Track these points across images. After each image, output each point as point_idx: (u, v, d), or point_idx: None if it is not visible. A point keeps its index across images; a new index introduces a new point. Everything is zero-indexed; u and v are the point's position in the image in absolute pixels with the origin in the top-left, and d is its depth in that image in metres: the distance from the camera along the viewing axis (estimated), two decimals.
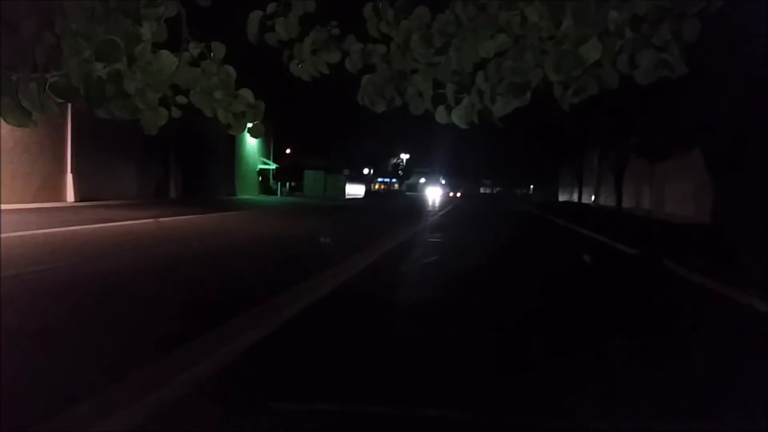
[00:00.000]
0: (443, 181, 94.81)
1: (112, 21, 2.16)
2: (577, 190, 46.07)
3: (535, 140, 37.22)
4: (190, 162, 35.54)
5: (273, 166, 51.27)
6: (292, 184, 57.11)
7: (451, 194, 76.66)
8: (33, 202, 22.39)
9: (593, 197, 40.98)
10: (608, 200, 34.30)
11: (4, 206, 20.15)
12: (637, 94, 15.51)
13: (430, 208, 35.98)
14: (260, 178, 49.73)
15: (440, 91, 2.81)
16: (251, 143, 45.90)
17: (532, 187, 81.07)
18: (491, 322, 6.32)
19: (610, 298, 8.09)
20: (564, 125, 25.75)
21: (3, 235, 11.93)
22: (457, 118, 2.74)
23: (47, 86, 2.18)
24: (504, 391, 4.13)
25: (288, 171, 56.17)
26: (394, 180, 70.60)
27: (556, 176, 56.43)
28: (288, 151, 62.27)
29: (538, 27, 2.57)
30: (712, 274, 9.39)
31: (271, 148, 51.73)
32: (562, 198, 54.38)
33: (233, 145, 42.16)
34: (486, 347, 5.28)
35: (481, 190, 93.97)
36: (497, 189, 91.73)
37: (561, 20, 2.51)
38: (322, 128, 62.48)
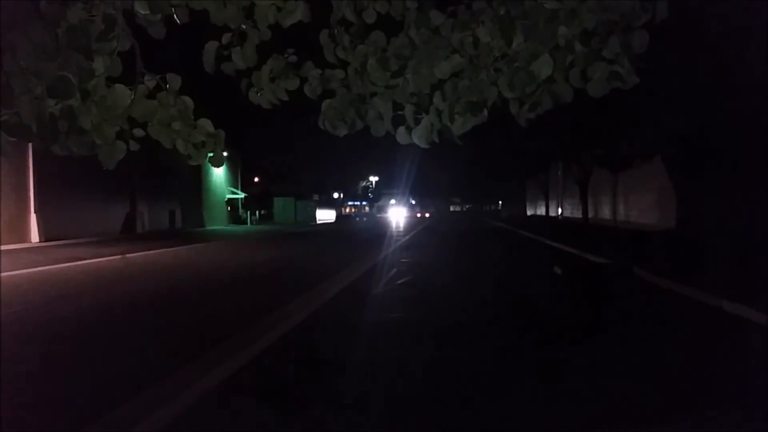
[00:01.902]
0: (413, 202, 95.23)
1: (63, 57, 2.14)
2: (543, 203, 46.75)
3: (498, 157, 37.70)
4: (156, 195, 35.08)
5: (241, 195, 50.87)
6: (262, 212, 56.69)
7: (419, 215, 70.57)
8: None
9: (559, 210, 41.61)
10: (574, 212, 34.88)
11: None
12: (595, 106, 15.87)
13: (400, 230, 36.01)
14: (229, 208, 49.25)
15: (399, 112, 2.84)
16: (218, 173, 45.53)
17: (500, 202, 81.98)
18: (470, 338, 6.33)
19: (583, 307, 8.18)
20: (526, 141, 26.16)
21: None
22: (418, 138, 2.76)
23: None
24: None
25: (257, 199, 55.80)
26: (364, 203, 70.62)
27: (522, 191, 57.24)
28: (256, 179, 61.92)
29: (490, 46, 2.62)
30: (680, 278, 9.57)
31: (239, 177, 51.38)
32: (529, 212, 55.11)
33: (200, 175, 41.75)
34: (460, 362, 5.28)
35: (451, 208, 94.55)
36: (467, 206, 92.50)
37: (512, 38, 2.56)
38: (289, 155, 62.32)
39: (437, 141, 2.76)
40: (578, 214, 32.44)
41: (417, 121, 2.78)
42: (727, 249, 11.14)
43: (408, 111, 2.77)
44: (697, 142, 15.88)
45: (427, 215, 68.26)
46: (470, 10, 2.79)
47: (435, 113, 2.73)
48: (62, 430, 3.93)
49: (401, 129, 2.83)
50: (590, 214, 30.71)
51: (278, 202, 57.93)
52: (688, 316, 7.66)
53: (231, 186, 49.03)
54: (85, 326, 7.35)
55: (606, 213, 31.20)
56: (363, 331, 6.73)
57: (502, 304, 8.65)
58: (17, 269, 13.63)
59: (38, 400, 4.59)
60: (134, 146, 2.57)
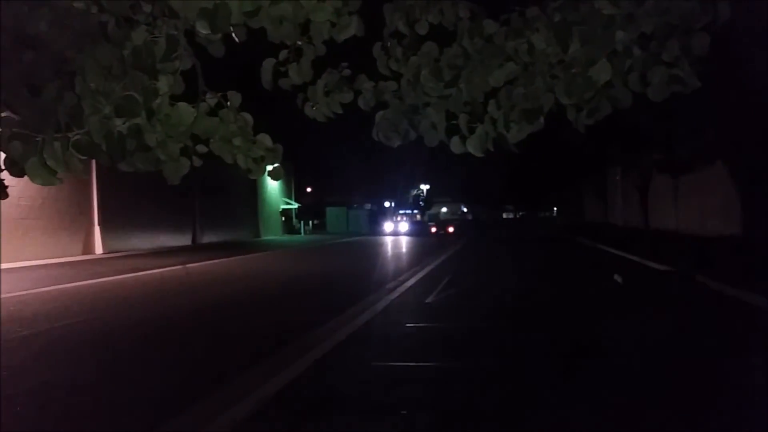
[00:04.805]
0: (464, 209, 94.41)
1: (129, 78, 2.24)
2: (601, 210, 45.62)
3: (555, 163, 37.08)
4: (214, 207, 36.00)
5: (295, 205, 51.68)
6: (315, 222, 57.39)
7: (434, 230, 44.49)
8: (63, 257, 22.80)
9: (618, 216, 40.46)
10: (633, 218, 33.85)
11: (36, 262, 20.57)
12: (655, 110, 15.44)
13: (458, 237, 35.68)
14: (283, 218, 50.11)
15: (453, 122, 2.84)
16: (273, 185, 46.40)
17: (555, 209, 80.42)
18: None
19: (645, 315, 7.93)
20: (583, 146, 25.62)
21: (37, 291, 12.15)
22: (472, 147, 2.75)
23: (70, 145, 2.25)
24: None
25: (310, 209, 56.54)
26: (415, 211, 70.57)
27: (579, 197, 56.01)
28: (309, 189, 62.77)
29: (546, 53, 2.59)
30: (745, 285, 9.18)
31: (293, 187, 52.24)
32: (586, 219, 53.79)
33: (255, 187, 42.65)
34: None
35: (504, 216, 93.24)
36: (520, 213, 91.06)
37: (568, 45, 2.53)
38: (342, 165, 62.96)
39: (492, 150, 2.75)
40: (637, 220, 31.51)
41: (471, 130, 2.77)
42: None
43: (462, 120, 2.76)
44: (762, 146, 15.22)
45: (450, 229, 42.68)
46: (523, 18, 2.78)
47: (489, 122, 2.71)
48: None
49: (455, 138, 2.83)
50: (649, 220, 29.80)
51: (331, 212, 58.56)
52: (759, 324, 7.32)
53: (285, 196, 49.91)
54: (146, 335, 7.60)
55: (666, 219, 30.17)
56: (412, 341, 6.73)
57: (568, 317, 8.47)
58: (83, 280, 14.21)
59: (101, 405, 4.76)
60: (197, 162, 2.67)
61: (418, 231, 45.07)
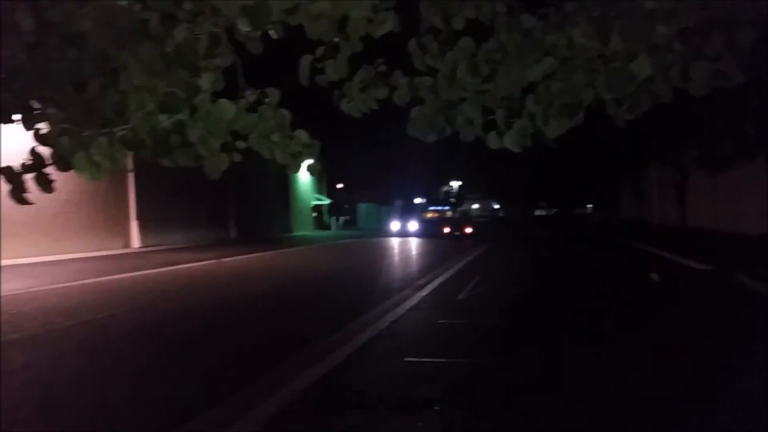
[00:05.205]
0: (495, 206, 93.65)
1: (172, 74, 2.29)
2: (636, 207, 44.84)
3: (590, 159, 36.54)
4: (246, 202, 36.43)
5: (326, 201, 52.01)
6: (346, 217, 57.68)
7: (446, 230, 33.33)
8: (101, 250, 23.37)
9: (654, 214, 39.71)
10: (670, 216, 33.18)
11: (74, 255, 21.12)
12: (694, 104, 15.10)
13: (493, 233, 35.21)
14: (315, 214, 50.48)
15: (490, 117, 2.83)
16: (304, 180, 46.77)
17: (590, 206, 79.24)
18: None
19: (682, 314, 7.79)
20: (620, 142, 25.20)
21: (77, 283, 12.49)
22: (510, 142, 2.74)
23: (116, 140, 2.32)
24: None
25: (341, 205, 56.83)
26: (446, 208, 70.32)
27: (614, 194, 55.11)
28: (340, 185, 63.08)
29: (586, 47, 2.56)
30: None
31: (324, 183, 52.56)
32: (622, 216, 52.90)
33: (287, 183, 43.04)
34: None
35: (536, 213, 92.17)
36: (554, 210, 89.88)
37: (608, 39, 2.50)
38: (373, 161, 63.07)
39: (530, 145, 2.73)
40: (674, 218, 30.88)
41: (508, 125, 2.76)
42: None
43: (499, 115, 2.76)
44: None
45: (468, 230, 32.65)
46: (561, 12, 2.75)
47: (527, 117, 2.70)
48: (157, 429, 4.15)
49: (492, 134, 2.82)
50: (687, 218, 29.19)
51: (361, 208, 58.79)
52: None
53: (316, 192, 50.26)
54: (182, 327, 7.75)
55: (704, 217, 29.51)
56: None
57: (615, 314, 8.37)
58: (121, 273, 14.55)
59: (138, 397, 4.88)
60: (237, 157, 2.72)
61: (431, 231, 34.45)
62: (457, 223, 34.96)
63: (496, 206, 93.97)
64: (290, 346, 6.32)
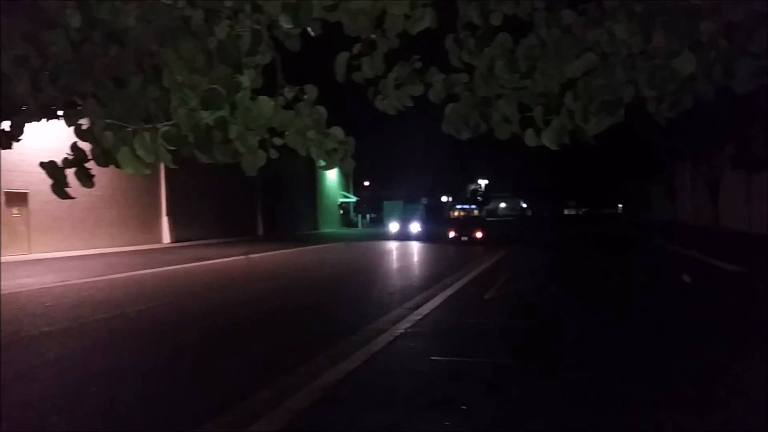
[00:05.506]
0: (524, 205, 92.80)
1: (214, 71, 2.32)
2: (668, 207, 44.04)
3: (622, 157, 35.95)
4: (274, 199, 36.74)
5: (353, 198, 52.16)
6: (372, 215, 57.77)
7: (452, 234, 25.56)
8: (132, 245, 23.79)
9: (687, 214, 38.93)
10: (703, 216, 32.49)
11: (106, 250, 21.53)
12: (731, 103, 14.76)
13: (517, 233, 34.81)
14: (341, 211, 50.69)
15: (528, 114, 2.80)
16: (331, 178, 46.97)
17: (620, 206, 78.01)
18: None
19: (716, 313, 7.64)
20: (653, 140, 24.74)
21: (108, 277, 12.74)
22: (548, 139, 2.71)
23: (160, 135, 2.35)
24: None
25: (367, 203, 56.94)
26: (473, 206, 69.85)
27: (645, 194, 54.19)
28: (366, 183, 63.16)
29: (628, 43, 2.52)
30: None
31: (351, 181, 52.73)
32: (653, 216, 51.98)
33: (315, 181, 43.28)
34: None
35: (565, 212, 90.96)
36: (582, 210, 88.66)
37: (651, 35, 2.45)
38: (400, 159, 62.94)
39: (568, 143, 2.70)
40: (707, 220, 30.25)
41: (546, 123, 2.73)
42: None
43: (537, 112, 2.72)
44: None
45: (478, 235, 25.10)
46: (601, 8, 2.71)
47: (566, 114, 2.66)
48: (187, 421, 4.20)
49: (530, 131, 2.78)
50: (720, 219, 28.59)
51: (387, 206, 58.81)
52: None
53: (343, 190, 50.45)
54: (213, 321, 7.85)
55: (738, 218, 28.85)
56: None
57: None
58: (152, 268, 14.79)
59: (168, 389, 4.95)
60: (274, 154, 2.74)
61: (434, 234, 28.86)
62: (464, 225, 26.80)
63: (524, 205, 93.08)
64: (316, 342, 6.34)
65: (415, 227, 30.99)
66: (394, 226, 31.78)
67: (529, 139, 2.79)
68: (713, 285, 11.04)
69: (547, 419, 4.09)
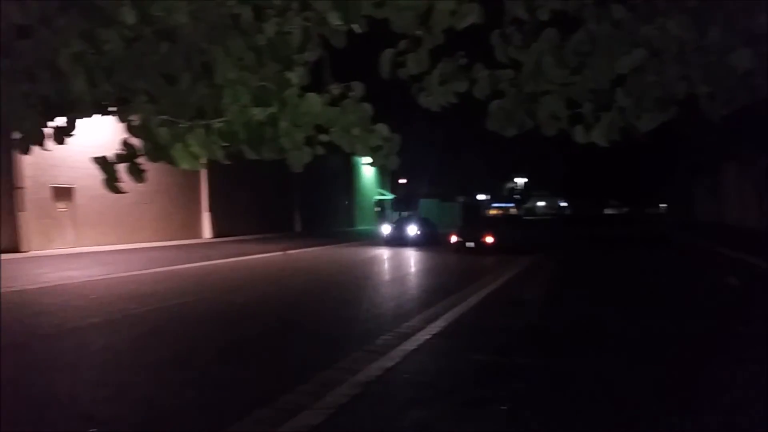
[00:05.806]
0: (565, 204, 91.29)
1: (264, 68, 2.35)
2: (713, 208, 42.80)
3: (667, 156, 35.07)
4: (311, 196, 37.01)
5: (389, 196, 52.17)
6: (407, 213, 57.65)
7: (454, 239, 20.09)
8: (174, 240, 24.27)
9: (734, 216, 37.77)
10: (750, 218, 31.47)
11: (149, 244, 22.03)
12: None
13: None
14: (378, 209, 50.76)
15: (576, 110, 2.75)
16: (368, 175, 47.09)
17: (665, 206, 76.08)
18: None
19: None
20: (699, 139, 24.06)
21: (151, 271, 13.03)
22: (598, 136, 2.66)
23: (214, 131, 2.40)
24: None
25: (403, 201, 56.89)
26: (511, 205, 69.04)
27: (690, 194, 52.75)
28: (403, 181, 63.08)
29: (681, 39, 2.45)
30: None
31: (387, 179, 52.76)
32: (697, 218, 50.55)
33: (351, 178, 43.46)
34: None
35: (606, 211, 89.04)
36: (624, 209, 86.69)
37: (707, 30, 2.38)
38: (436, 157, 62.66)
39: (619, 139, 2.65)
40: (754, 221, 29.29)
41: (596, 119, 2.68)
42: None
43: (587, 109, 2.68)
44: None
45: (489, 240, 18.98)
46: (650, 3, 2.64)
47: (617, 110, 2.61)
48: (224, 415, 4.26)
49: (579, 127, 2.74)
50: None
51: (423, 204, 58.66)
52: None
53: (380, 187, 50.53)
54: (253, 315, 7.96)
55: None
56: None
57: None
58: (193, 262, 15.07)
59: (211, 381, 5.03)
60: (320, 150, 2.76)
61: (430, 239, 24.06)
62: (470, 229, 21.63)
63: (563, 204, 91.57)
64: (354, 339, 6.36)
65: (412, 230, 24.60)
66: (386, 229, 25.82)
67: (579, 135, 2.74)
68: (760, 287, 10.70)
69: (594, 424, 4.03)
